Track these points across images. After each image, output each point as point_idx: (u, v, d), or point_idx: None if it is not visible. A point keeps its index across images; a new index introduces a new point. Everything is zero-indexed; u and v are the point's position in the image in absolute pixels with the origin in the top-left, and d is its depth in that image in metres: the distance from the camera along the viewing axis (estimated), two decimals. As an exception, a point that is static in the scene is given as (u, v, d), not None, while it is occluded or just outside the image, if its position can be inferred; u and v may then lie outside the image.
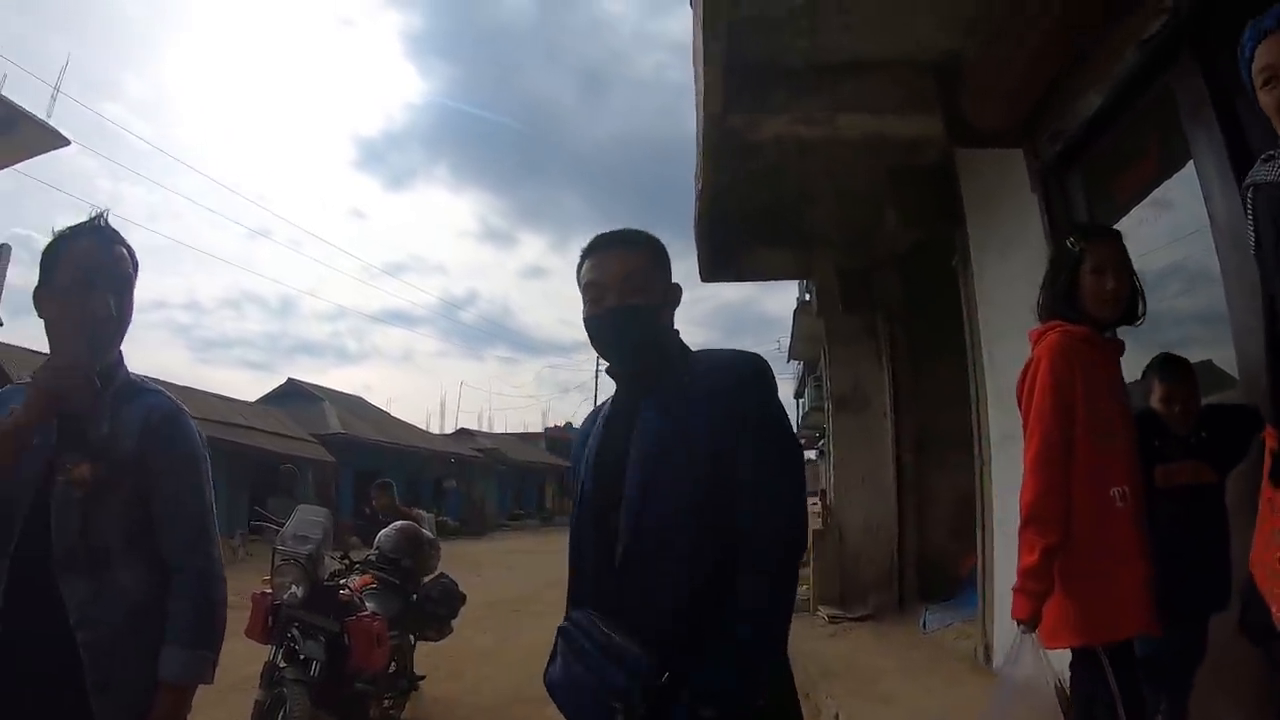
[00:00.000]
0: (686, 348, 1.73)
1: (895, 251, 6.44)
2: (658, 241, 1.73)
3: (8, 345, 16.98)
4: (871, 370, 7.69)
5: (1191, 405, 2.55)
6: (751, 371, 1.60)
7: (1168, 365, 2.69)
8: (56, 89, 16.80)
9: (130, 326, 1.77)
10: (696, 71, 3.67)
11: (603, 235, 1.71)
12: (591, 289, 1.66)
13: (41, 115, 15.57)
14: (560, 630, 1.61)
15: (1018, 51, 3.24)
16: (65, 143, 16.49)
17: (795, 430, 1.63)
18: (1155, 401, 2.60)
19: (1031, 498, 2.13)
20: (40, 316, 1.68)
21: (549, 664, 1.61)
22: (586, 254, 1.70)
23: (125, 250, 1.75)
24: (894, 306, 7.34)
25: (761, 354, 1.68)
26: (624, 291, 1.63)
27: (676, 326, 1.76)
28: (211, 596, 1.74)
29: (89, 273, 1.66)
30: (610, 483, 1.60)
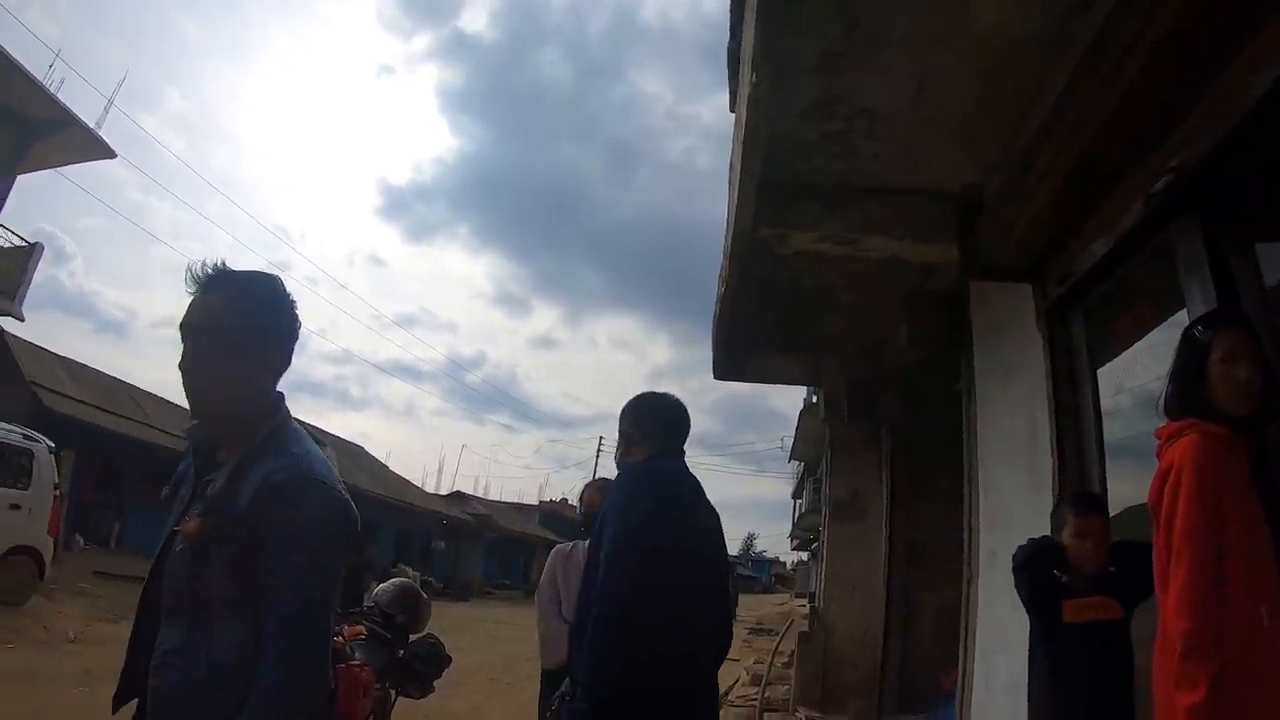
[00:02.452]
0: None
1: (903, 366, 6.57)
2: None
3: (25, 342, 17.20)
4: (871, 481, 7.80)
5: (1103, 541, 2.60)
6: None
7: (1080, 501, 2.75)
8: (110, 101, 17.42)
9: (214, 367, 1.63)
10: (732, 182, 3.88)
11: None
12: None
13: (91, 123, 16.12)
14: None
15: (1032, 196, 3.45)
16: (111, 155, 17.11)
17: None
18: (1066, 536, 2.64)
19: (1188, 625, 1.88)
20: None
21: None
22: None
23: (221, 297, 1.66)
24: (898, 421, 7.47)
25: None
26: None
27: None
28: (285, 689, 1.51)
29: (180, 328, 1.67)
30: None
